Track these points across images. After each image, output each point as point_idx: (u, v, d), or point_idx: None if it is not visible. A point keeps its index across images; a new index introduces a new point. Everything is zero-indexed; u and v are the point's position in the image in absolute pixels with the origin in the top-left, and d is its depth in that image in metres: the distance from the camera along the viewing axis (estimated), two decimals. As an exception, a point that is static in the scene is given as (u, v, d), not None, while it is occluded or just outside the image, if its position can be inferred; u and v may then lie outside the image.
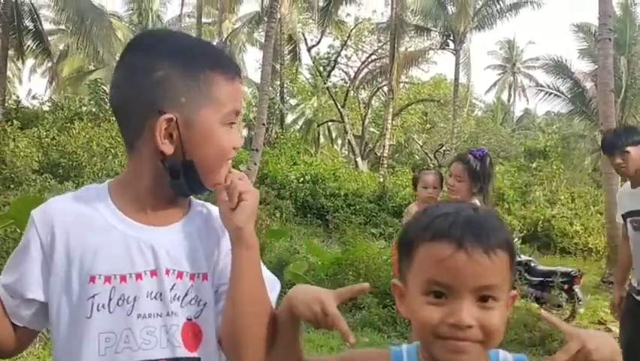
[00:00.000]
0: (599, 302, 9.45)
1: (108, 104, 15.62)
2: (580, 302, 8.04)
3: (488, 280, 0.94)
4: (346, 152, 37.44)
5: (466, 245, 0.93)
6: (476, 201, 3.76)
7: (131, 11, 27.37)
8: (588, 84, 23.25)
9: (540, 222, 15.71)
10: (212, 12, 28.85)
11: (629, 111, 22.59)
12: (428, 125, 32.68)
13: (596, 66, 14.75)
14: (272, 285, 1.28)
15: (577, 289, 8.02)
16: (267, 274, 1.28)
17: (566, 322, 6.87)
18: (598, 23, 12.41)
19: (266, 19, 17.25)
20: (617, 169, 3.99)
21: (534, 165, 19.76)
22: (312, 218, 14.94)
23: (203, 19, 28.23)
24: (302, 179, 16.36)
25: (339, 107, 27.30)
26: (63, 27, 22.19)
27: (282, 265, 7.82)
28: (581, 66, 24.68)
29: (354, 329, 6.25)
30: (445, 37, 25.98)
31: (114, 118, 1.26)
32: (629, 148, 3.80)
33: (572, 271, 8.29)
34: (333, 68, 29.24)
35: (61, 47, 27.66)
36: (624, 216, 4.14)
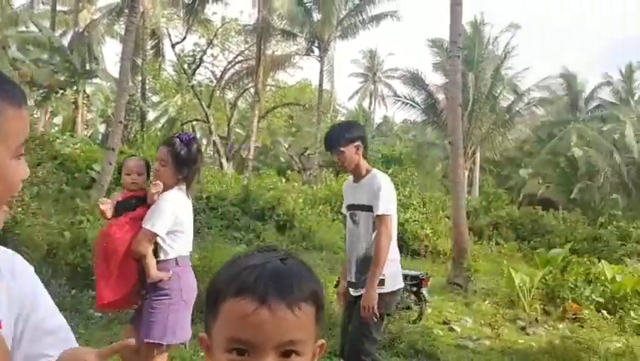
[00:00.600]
0: (445, 303, 10.14)
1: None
2: (427, 304, 8.55)
3: (292, 336, 0.91)
4: (211, 152, 36.93)
5: (270, 301, 0.90)
6: (182, 187, 3.70)
7: (-26, -8, 24.83)
8: (440, 96, 24.97)
9: (395, 225, 16.51)
10: (69, 0, 27.10)
11: (475, 123, 24.54)
12: (294, 129, 33.19)
13: (448, 80, 15.77)
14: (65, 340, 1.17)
15: (424, 291, 8.52)
16: (58, 327, 1.16)
17: (414, 323, 7.22)
18: (449, 41, 13.28)
19: (127, 11, 16.51)
20: (339, 165, 4.28)
21: (390, 170, 20.73)
22: (172, 221, 14.49)
23: (59, 7, 26.45)
24: (162, 180, 15.84)
25: (205, 106, 26.84)
26: None
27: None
28: (434, 79, 26.44)
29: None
30: (310, 44, 26.50)
31: None
32: (342, 148, 4.03)
33: (420, 274, 8.79)
34: (198, 67, 28.71)
35: None
36: (347, 208, 4.35)
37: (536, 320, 9.12)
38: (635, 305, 10.03)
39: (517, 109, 26.59)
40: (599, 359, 6.90)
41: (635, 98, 36.96)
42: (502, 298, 10.55)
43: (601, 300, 10.02)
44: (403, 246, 16.63)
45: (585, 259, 12.02)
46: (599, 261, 12.08)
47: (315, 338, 0.97)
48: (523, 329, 8.66)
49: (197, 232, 12.95)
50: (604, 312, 9.75)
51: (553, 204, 29.25)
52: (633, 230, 19.40)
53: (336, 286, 9.15)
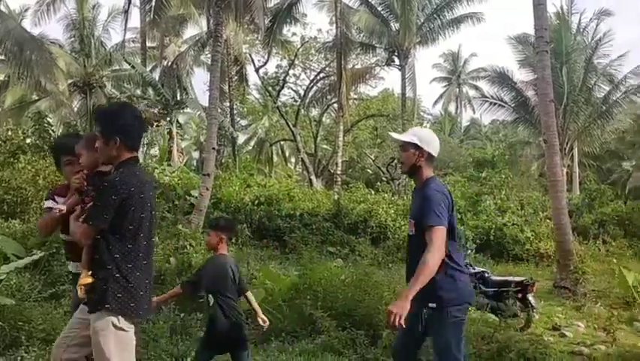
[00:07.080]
0: (553, 308, 9.69)
1: (52, 136, 14.85)
2: (534, 310, 8.21)
3: None
4: (300, 169, 37.52)
5: None
6: None
7: (72, 39, 26.74)
8: (530, 93, 24.02)
9: (492, 230, 16.01)
10: (157, 36, 28.54)
11: (570, 117, 23.40)
12: (379, 140, 33.10)
13: (536, 76, 15.16)
14: None
15: (530, 297, 8.19)
16: None
17: (521, 330, 6.92)
18: (535, 36, 12.80)
19: (211, 41, 17.21)
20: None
21: (483, 174, 20.17)
22: (269, 240, 14.84)
23: (149, 44, 27.89)
24: (256, 201, 16.26)
25: (291, 125, 27.38)
26: (3, 57, 21.55)
27: (239, 293, 7.70)
28: (522, 76, 25.48)
29: (314, 354, 6.19)
30: (390, 54, 26.44)
31: None
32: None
33: (524, 280, 8.47)
34: (282, 88, 29.39)
35: (1, 77, 26.79)
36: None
37: (656, 321, 8.54)
38: None
39: (614, 99, 25.05)
40: None
41: None
42: (616, 300, 9.98)
43: None
44: (502, 251, 16.16)
45: None
46: None
47: None
48: (641, 331, 8.13)
49: (293, 248, 13.24)
50: None
51: (663, 196, 27.37)
52: None
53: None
